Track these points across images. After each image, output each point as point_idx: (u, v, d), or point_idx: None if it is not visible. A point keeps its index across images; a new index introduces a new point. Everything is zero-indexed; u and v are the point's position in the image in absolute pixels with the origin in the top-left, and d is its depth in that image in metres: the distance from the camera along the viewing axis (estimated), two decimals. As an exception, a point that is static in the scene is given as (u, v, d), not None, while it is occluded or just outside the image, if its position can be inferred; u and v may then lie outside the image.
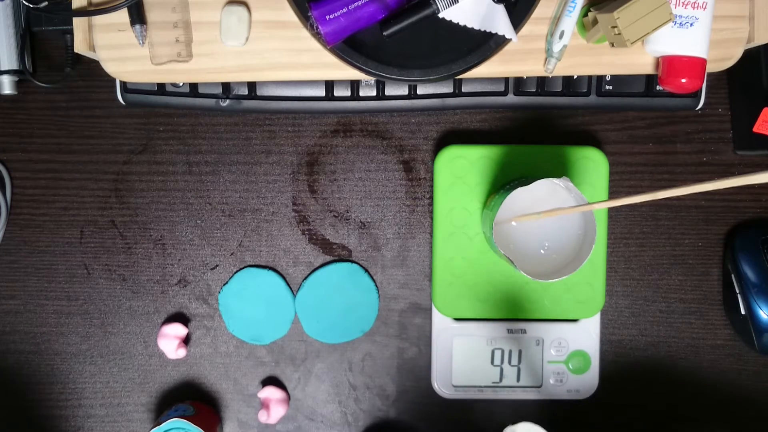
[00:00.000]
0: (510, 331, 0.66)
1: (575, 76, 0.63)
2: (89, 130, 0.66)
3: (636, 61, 0.57)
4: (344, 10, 0.52)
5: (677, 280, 0.67)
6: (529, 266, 0.56)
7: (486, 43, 0.54)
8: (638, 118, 0.67)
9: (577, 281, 0.63)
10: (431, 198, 0.66)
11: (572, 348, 0.66)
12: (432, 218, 0.65)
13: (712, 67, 0.57)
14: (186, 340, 0.67)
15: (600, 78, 0.63)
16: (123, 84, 0.63)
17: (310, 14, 0.53)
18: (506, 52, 0.55)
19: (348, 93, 0.64)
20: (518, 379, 0.66)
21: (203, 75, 0.57)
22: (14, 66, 0.63)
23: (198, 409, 0.64)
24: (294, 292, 0.67)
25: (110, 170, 0.67)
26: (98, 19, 0.56)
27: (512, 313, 0.65)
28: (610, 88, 0.63)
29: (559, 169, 0.63)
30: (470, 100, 0.64)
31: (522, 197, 0.56)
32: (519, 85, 0.63)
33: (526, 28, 0.55)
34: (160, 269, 0.67)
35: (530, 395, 0.66)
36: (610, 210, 0.65)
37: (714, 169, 0.66)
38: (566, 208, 0.54)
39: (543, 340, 0.66)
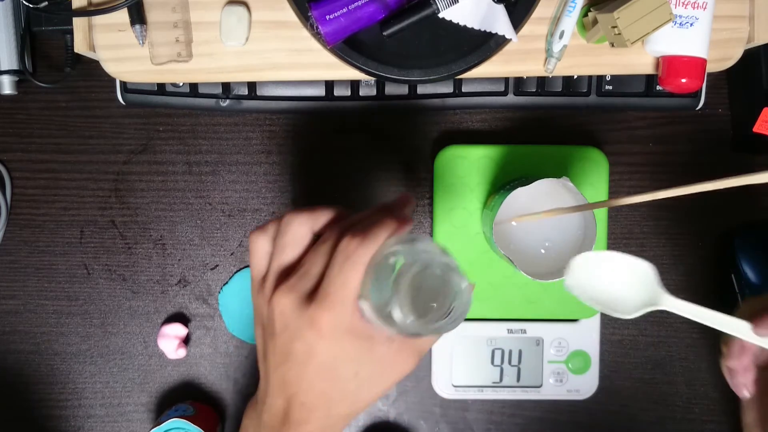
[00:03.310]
0: (510, 331, 0.66)
1: (575, 76, 0.63)
2: (89, 130, 0.66)
3: (636, 61, 0.57)
4: (344, 10, 0.52)
5: (677, 280, 0.67)
6: (529, 266, 0.56)
7: (486, 43, 0.54)
8: (638, 118, 0.66)
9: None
10: (431, 198, 0.66)
11: (572, 348, 0.66)
12: (432, 218, 0.65)
13: (712, 67, 0.57)
14: (186, 340, 0.67)
15: (600, 78, 0.63)
16: (123, 84, 0.63)
17: (310, 14, 0.53)
18: (506, 52, 0.55)
19: (348, 93, 0.63)
20: (518, 379, 0.66)
21: (203, 75, 0.57)
22: (14, 66, 0.63)
23: (198, 409, 0.64)
24: (294, 292, 0.67)
25: (110, 170, 0.67)
26: (98, 19, 0.56)
27: (512, 313, 0.65)
28: (610, 88, 0.63)
29: (559, 169, 0.63)
30: (470, 100, 0.64)
31: (522, 197, 0.56)
32: (519, 85, 0.63)
33: (526, 28, 0.55)
34: (160, 269, 0.67)
35: (530, 395, 0.66)
36: (610, 210, 0.65)
37: (714, 169, 0.66)
38: (566, 208, 0.54)
39: (543, 340, 0.66)
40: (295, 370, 0.40)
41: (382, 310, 0.38)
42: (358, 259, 0.39)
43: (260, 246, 0.43)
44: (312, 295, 0.40)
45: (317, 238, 0.42)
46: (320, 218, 0.43)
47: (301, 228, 0.42)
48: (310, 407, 0.41)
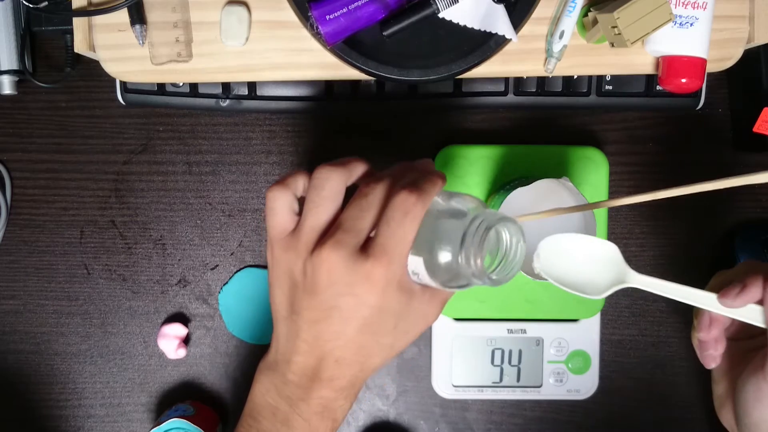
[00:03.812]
0: (510, 331, 0.66)
1: (575, 76, 0.63)
2: (89, 130, 0.66)
3: (636, 61, 0.57)
4: (344, 10, 0.52)
5: (677, 280, 0.67)
6: (529, 266, 0.56)
7: (486, 43, 0.54)
8: (638, 118, 0.66)
9: (577, 281, 0.63)
10: (431, 198, 0.66)
11: (572, 348, 0.66)
12: (432, 218, 0.65)
13: (712, 67, 0.57)
14: (186, 340, 0.67)
15: (600, 78, 0.63)
16: (123, 84, 0.63)
17: (310, 14, 0.53)
18: (506, 52, 0.55)
19: (348, 93, 0.63)
20: (518, 379, 0.66)
21: (203, 75, 0.57)
22: (14, 66, 0.63)
23: (198, 409, 0.64)
24: (294, 292, 0.67)
25: (110, 170, 0.67)
26: (98, 19, 0.56)
27: (512, 313, 0.65)
28: (610, 88, 0.63)
29: (559, 169, 0.63)
30: (470, 100, 0.64)
31: (522, 197, 0.56)
32: (519, 85, 0.63)
33: (526, 28, 0.55)
34: (160, 269, 0.67)
35: (530, 395, 0.66)
36: (610, 210, 0.65)
37: (714, 169, 0.66)
38: (566, 208, 0.54)
39: (543, 340, 0.66)
40: (337, 326, 0.40)
41: (434, 264, 0.40)
42: (417, 214, 0.39)
43: (283, 202, 0.42)
44: (363, 249, 0.40)
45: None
46: (354, 172, 0.43)
47: (339, 183, 0.41)
48: (346, 363, 0.41)
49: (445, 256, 0.40)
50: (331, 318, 0.40)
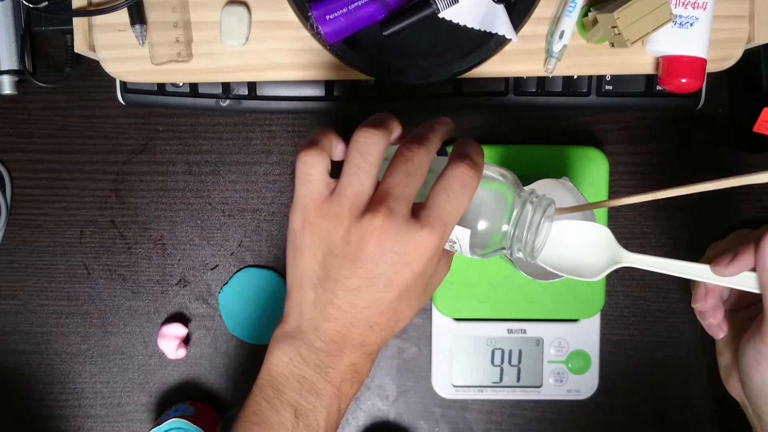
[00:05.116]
0: (510, 331, 0.66)
1: (575, 76, 0.63)
2: (89, 130, 0.66)
3: (636, 61, 0.57)
4: (344, 10, 0.52)
5: (677, 280, 0.67)
6: (529, 266, 0.56)
7: (486, 43, 0.54)
8: (638, 118, 0.66)
9: (577, 281, 0.63)
10: (431, 198, 0.66)
11: (572, 348, 0.66)
12: (432, 218, 0.65)
13: (712, 67, 0.57)
14: (186, 340, 0.67)
15: (600, 78, 0.63)
16: (123, 84, 0.63)
17: (310, 14, 0.53)
18: (506, 52, 0.55)
19: (348, 93, 0.63)
20: (518, 379, 0.66)
21: (203, 75, 0.57)
22: (14, 66, 0.63)
23: (198, 409, 0.64)
24: (294, 292, 0.67)
25: (110, 170, 0.67)
26: (98, 19, 0.56)
27: (512, 313, 0.65)
28: (610, 88, 0.63)
29: (559, 169, 0.63)
30: (470, 100, 0.64)
31: (522, 197, 0.56)
32: (519, 85, 0.63)
33: (526, 28, 0.55)
34: (160, 269, 0.67)
35: (530, 395, 0.66)
36: (610, 210, 0.65)
37: (714, 169, 0.66)
38: (566, 208, 0.54)
39: (543, 340, 0.66)
40: (378, 293, 0.40)
41: (481, 236, 0.42)
42: (473, 186, 0.40)
43: (321, 167, 0.41)
44: (414, 217, 0.40)
45: None
46: (393, 134, 0.42)
47: (383, 147, 0.41)
48: (379, 328, 0.41)
49: (496, 231, 0.42)
50: (374, 285, 0.40)
